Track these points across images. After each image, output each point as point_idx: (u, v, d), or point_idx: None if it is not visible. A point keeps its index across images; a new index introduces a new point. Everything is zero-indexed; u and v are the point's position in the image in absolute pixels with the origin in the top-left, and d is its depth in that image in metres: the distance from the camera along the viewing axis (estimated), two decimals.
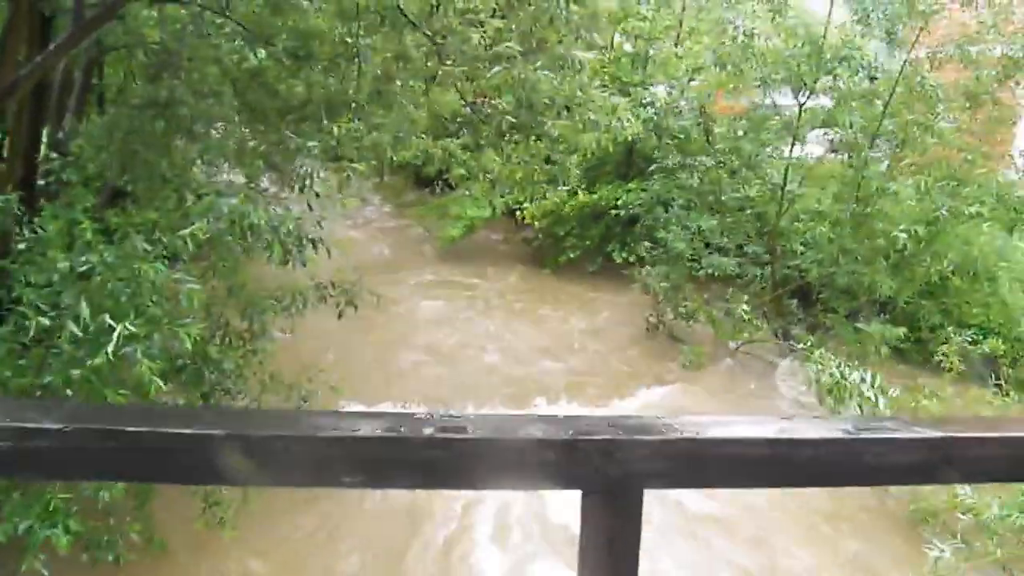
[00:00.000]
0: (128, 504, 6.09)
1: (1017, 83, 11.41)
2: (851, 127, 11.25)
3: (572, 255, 16.22)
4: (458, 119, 9.52)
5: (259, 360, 6.85)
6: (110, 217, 6.36)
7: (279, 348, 7.16)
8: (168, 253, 5.52)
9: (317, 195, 6.62)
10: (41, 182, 8.24)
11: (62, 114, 9.49)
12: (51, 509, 5.36)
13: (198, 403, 6.16)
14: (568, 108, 7.55)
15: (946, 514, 8.44)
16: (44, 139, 8.82)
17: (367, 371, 10.79)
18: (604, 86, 9.22)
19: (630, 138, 7.98)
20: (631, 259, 15.17)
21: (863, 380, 8.87)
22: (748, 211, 13.14)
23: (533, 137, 8.42)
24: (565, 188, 10.01)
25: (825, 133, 12.50)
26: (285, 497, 7.13)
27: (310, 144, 6.74)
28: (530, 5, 7.09)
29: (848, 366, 9.26)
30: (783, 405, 11.06)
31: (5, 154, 9.20)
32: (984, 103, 11.44)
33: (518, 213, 15.70)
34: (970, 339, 10.82)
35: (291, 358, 7.74)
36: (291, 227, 5.87)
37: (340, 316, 7.22)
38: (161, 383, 4.78)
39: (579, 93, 7.52)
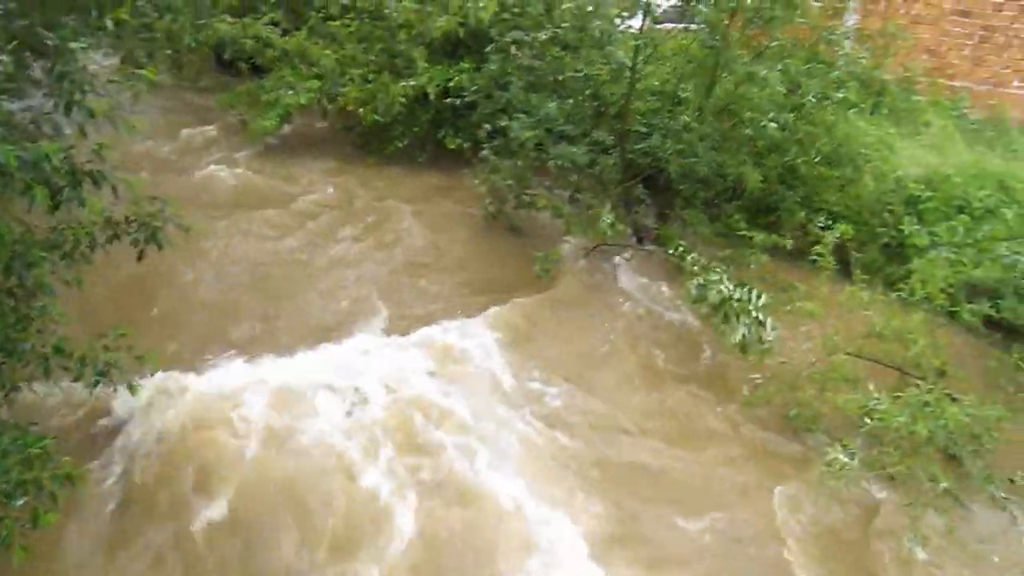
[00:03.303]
0: None
1: None
2: (716, 4, 10.27)
3: (400, 143, 14.80)
4: None
5: (37, 328, 5.33)
6: None
7: (75, 308, 5.61)
8: None
9: (92, 114, 4.98)
10: None
11: None
12: None
13: None
14: None
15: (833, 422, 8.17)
16: None
17: (181, 321, 9.28)
18: None
19: (486, 21, 6.70)
20: (466, 145, 14.02)
21: (747, 298, 8.22)
22: (590, 92, 12.11)
23: (368, 21, 6.99)
24: (411, 83, 8.61)
25: (677, 5, 11.53)
26: None
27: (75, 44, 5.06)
28: None
29: (722, 273, 8.61)
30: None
31: None
32: None
33: (339, 99, 14.04)
34: (821, 225, 10.53)
35: (91, 318, 6.20)
36: (56, 162, 4.33)
37: (140, 258, 5.74)
38: None
39: None
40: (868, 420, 7.34)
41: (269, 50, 8.87)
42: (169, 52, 8.84)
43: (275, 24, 9.57)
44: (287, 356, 8.77)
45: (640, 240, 12.14)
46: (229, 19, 8.55)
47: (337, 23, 8.24)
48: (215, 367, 8.41)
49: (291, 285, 10.36)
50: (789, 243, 10.05)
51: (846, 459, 6.89)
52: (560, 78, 11.86)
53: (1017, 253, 8.73)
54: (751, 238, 10.06)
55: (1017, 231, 9.81)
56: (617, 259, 11.69)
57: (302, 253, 11.37)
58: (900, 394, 7.45)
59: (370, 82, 12.83)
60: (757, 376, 8.76)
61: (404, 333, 9.48)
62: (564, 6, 11.19)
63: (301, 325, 9.58)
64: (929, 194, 10.90)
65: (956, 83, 14.54)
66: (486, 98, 12.67)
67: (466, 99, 13.23)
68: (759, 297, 8.33)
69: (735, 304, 8.32)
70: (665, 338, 9.96)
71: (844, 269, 10.38)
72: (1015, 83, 13.85)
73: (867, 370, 8.47)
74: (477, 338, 9.42)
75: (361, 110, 13.81)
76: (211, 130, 15.97)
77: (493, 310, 10.04)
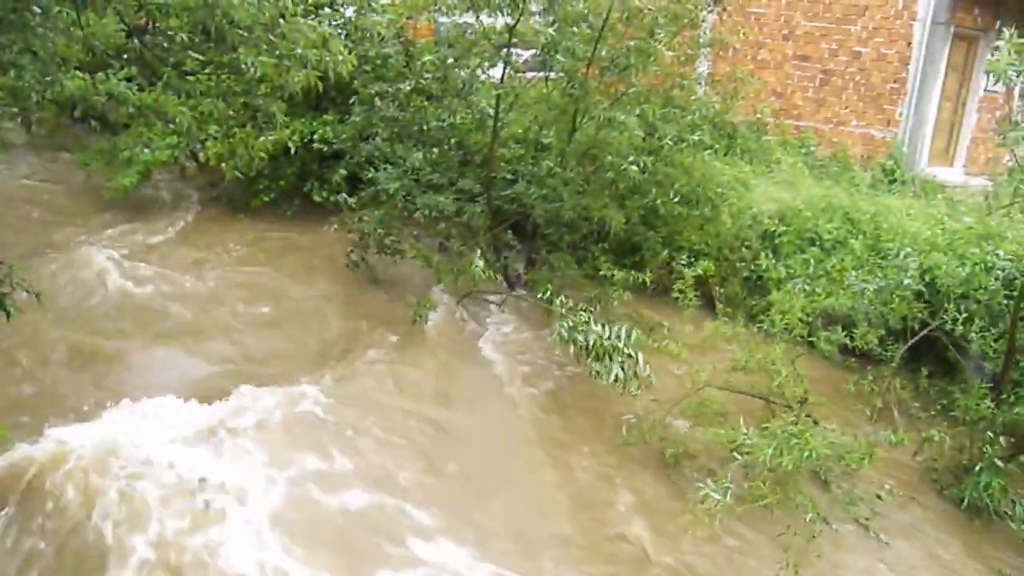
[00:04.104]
0: None
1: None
2: (573, 53, 10.54)
3: (265, 198, 14.66)
4: (124, 53, 7.70)
5: None
6: None
7: None
8: None
9: None
10: None
11: None
12: None
13: None
14: (270, 41, 6.12)
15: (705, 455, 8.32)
16: None
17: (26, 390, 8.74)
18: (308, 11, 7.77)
19: (345, 75, 6.69)
20: (332, 198, 13.91)
21: (616, 336, 8.37)
22: (455, 141, 12.23)
23: (226, 75, 6.89)
24: (271, 137, 8.50)
25: (536, 55, 11.80)
26: None
27: None
28: None
29: (591, 314, 8.74)
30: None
31: None
32: (686, 26, 11.34)
33: (201, 154, 13.75)
34: (684, 262, 10.90)
35: None
36: None
37: None
38: None
39: (281, 21, 6.11)
40: (738, 456, 7.47)
41: (124, 107, 8.59)
42: (16, 110, 8.50)
43: (129, 80, 9.31)
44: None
45: (511, 286, 12.27)
46: (80, 75, 8.23)
47: (194, 78, 8.09)
48: None
49: (138, 352, 9.90)
50: (649, 277, 10.23)
51: (718, 495, 6.88)
52: (425, 128, 11.93)
53: (865, 282, 9.15)
54: (613, 277, 10.28)
55: (864, 260, 10.37)
56: (488, 306, 11.75)
57: (148, 314, 10.97)
58: (767, 425, 7.63)
59: (230, 137, 12.66)
60: (630, 416, 8.83)
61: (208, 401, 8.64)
62: (425, 58, 11.30)
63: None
64: (783, 228, 11.43)
65: (802, 123, 15.39)
66: (352, 148, 12.63)
67: (334, 149, 13.18)
68: (629, 335, 8.46)
69: (606, 343, 8.44)
70: (538, 382, 10.01)
71: (709, 304, 10.76)
72: (854, 122, 14.75)
73: (736, 402, 8.70)
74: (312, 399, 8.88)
75: (223, 165, 13.55)
76: (64, 193, 15.41)
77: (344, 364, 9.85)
